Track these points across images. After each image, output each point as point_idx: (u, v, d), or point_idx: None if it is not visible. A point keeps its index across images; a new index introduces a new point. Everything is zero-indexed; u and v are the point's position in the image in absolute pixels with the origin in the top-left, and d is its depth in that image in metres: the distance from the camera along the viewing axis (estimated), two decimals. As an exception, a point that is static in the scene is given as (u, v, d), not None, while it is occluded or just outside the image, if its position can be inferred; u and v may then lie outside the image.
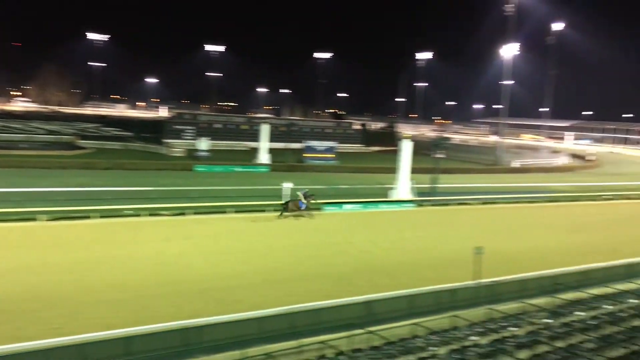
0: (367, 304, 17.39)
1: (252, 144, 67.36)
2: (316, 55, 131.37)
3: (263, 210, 33.64)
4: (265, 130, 60.73)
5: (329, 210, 35.51)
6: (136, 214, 30.30)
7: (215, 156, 59.21)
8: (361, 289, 20.02)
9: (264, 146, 59.67)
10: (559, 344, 15.37)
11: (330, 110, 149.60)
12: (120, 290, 19.25)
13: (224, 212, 32.48)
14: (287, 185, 35.24)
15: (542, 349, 14.94)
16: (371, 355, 14.08)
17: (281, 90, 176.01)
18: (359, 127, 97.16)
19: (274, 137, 65.20)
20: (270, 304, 17.46)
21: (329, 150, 63.88)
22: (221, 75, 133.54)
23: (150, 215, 30.55)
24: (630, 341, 15.46)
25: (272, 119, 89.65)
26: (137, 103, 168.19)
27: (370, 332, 15.30)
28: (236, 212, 32.76)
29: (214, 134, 69.97)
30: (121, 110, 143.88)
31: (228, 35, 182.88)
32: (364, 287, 20.48)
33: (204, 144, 60.02)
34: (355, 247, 27.29)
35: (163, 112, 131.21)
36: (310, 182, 43.74)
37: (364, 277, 22.27)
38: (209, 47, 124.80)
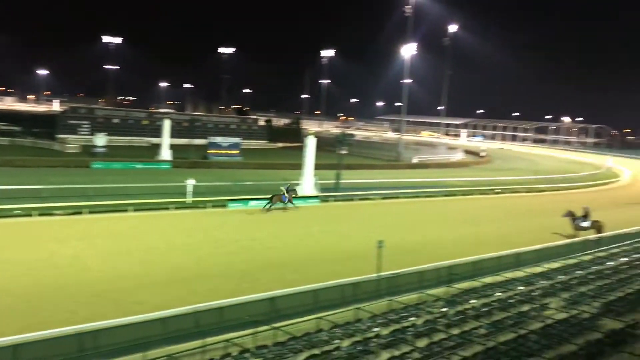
0: (272, 300, 17.37)
1: (154, 140, 65.30)
2: (220, 50, 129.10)
3: (166, 208, 32.78)
4: (167, 125, 59.05)
5: (234, 207, 35.14)
6: (26, 214, 28.43)
7: (114, 152, 56.73)
8: (267, 286, 19.97)
9: (165, 142, 58.00)
10: (455, 331, 16.16)
11: (235, 106, 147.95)
12: (7, 295, 17.96)
13: (124, 211, 31.25)
14: (191, 182, 34.57)
15: (439, 336, 15.64)
16: (275, 351, 14.09)
17: (184, 85, 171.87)
18: (264, 123, 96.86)
19: (176, 133, 63.70)
20: (173, 304, 16.99)
21: (234, 146, 63.20)
22: (119, 68, 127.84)
23: (43, 215, 28.76)
24: (518, 325, 16.55)
25: (175, 115, 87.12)
26: (26, 96, 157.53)
27: (275, 328, 15.31)
28: (136, 210, 31.62)
29: (112, 129, 67.19)
30: (8, 104, 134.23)
31: (126, 27, 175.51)
32: (271, 284, 20.44)
33: (100, 139, 57.20)
34: (260, 243, 27.20)
35: (56, 106, 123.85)
36: (215, 178, 43.14)
37: (269, 274, 22.23)
38: (106, 39, 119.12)
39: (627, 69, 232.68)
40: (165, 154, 57.09)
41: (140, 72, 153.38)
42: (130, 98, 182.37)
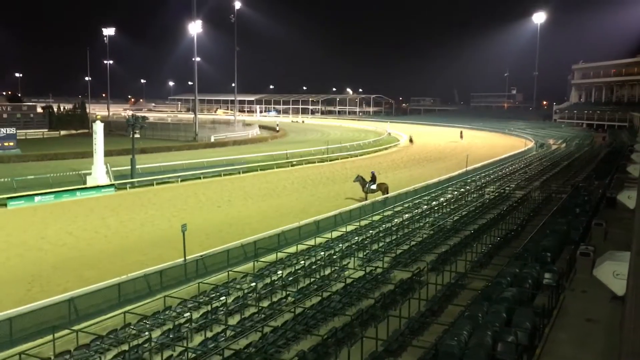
0: (71, 301, 16.08)
1: None
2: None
3: None
4: None
5: (15, 205, 31.58)
6: None
7: None
8: (62, 287, 18.47)
9: None
10: (265, 303, 16.66)
11: (5, 93, 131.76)
12: None
13: None
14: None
15: (250, 311, 15.98)
16: (78, 356, 13.13)
17: None
18: (41, 110, 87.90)
19: None
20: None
21: (8, 137, 56.58)
22: None
23: None
24: (322, 289, 17.60)
25: None
26: None
27: (76, 330, 14.26)
28: None
29: None
30: None
31: None
32: (66, 284, 18.93)
33: None
34: (50, 241, 24.88)
35: None
36: (-12, 175, 38.12)
37: (64, 273, 20.50)
38: None
39: (392, 47, 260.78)
40: None
41: None
42: None
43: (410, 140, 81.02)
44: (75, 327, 14.72)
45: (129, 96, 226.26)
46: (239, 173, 46.86)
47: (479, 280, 17.61)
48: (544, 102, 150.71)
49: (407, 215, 29.02)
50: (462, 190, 36.30)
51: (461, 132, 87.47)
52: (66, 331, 14.42)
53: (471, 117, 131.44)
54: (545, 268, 15.95)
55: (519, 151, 65.49)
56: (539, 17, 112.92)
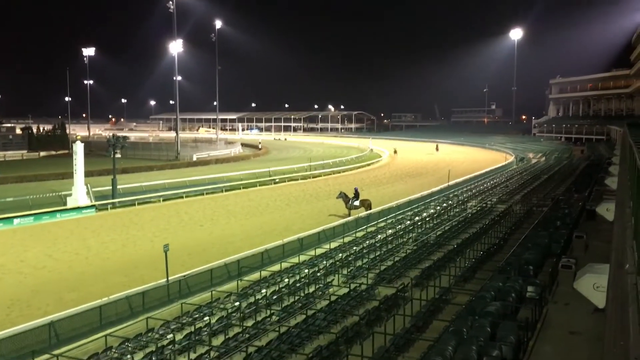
0: (51, 325, 15.78)
1: None
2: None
3: None
4: None
5: (-7, 228, 31.09)
6: None
7: None
8: (42, 310, 18.17)
9: None
10: (249, 322, 16.50)
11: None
12: None
13: None
14: None
15: (234, 331, 15.81)
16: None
17: None
18: (20, 131, 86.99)
19: None
20: None
21: (-14, 159, 55.68)
22: None
23: None
24: (307, 307, 17.50)
25: None
26: None
27: (57, 355, 13.98)
28: None
29: None
30: None
31: None
32: (46, 308, 18.61)
33: None
34: (29, 264, 24.47)
35: None
36: (-35, 198, 37.49)
37: (43, 297, 20.14)
38: None
39: (373, 64, 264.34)
40: None
41: None
42: None
43: (395, 152, 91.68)
44: (56, 352, 14.44)
45: (110, 116, 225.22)
46: (222, 191, 46.65)
47: (463, 295, 17.65)
48: (523, 117, 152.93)
49: (390, 231, 29.06)
50: (445, 205, 36.52)
51: (437, 146, 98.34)
52: (46, 356, 14.15)
53: (452, 132, 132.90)
54: (528, 281, 16.03)
55: (499, 165, 66.17)
56: (516, 34, 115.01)
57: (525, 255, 19.23)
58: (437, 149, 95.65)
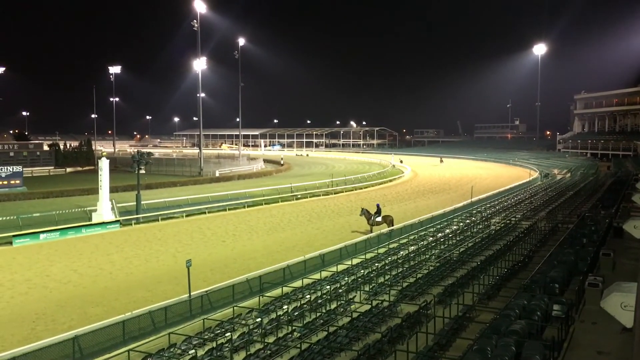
0: (75, 339, 15.94)
1: None
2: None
3: None
4: None
5: (21, 242, 31.62)
6: None
7: None
8: (66, 325, 18.37)
9: None
10: (270, 339, 16.44)
11: (13, 132, 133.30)
12: None
13: None
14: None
15: (255, 347, 15.78)
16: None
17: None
18: (48, 148, 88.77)
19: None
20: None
21: (14, 176, 56.76)
22: None
23: None
24: (328, 323, 17.39)
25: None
26: None
27: (81, 370, 14.11)
28: None
29: None
30: None
31: None
32: (71, 322, 18.83)
33: None
34: (54, 279, 24.81)
35: None
36: (-6, 213, 38.27)
37: (68, 311, 20.39)
38: None
39: (396, 80, 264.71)
40: None
41: None
42: None
43: (441, 160, 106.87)
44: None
45: (135, 132, 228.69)
46: (244, 207, 46.87)
47: (486, 313, 17.37)
48: (548, 132, 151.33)
49: (412, 247, 28.85)
50: (468, 221, 36.15)
51: (441, 158, 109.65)
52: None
53: (475, 148, 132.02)
54: (553, 300, 15.73)
55: (523, 181, 65.37)
56: (540, 49, 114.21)
57: (550, 273, 18.89)
58: (441, 160, 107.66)
